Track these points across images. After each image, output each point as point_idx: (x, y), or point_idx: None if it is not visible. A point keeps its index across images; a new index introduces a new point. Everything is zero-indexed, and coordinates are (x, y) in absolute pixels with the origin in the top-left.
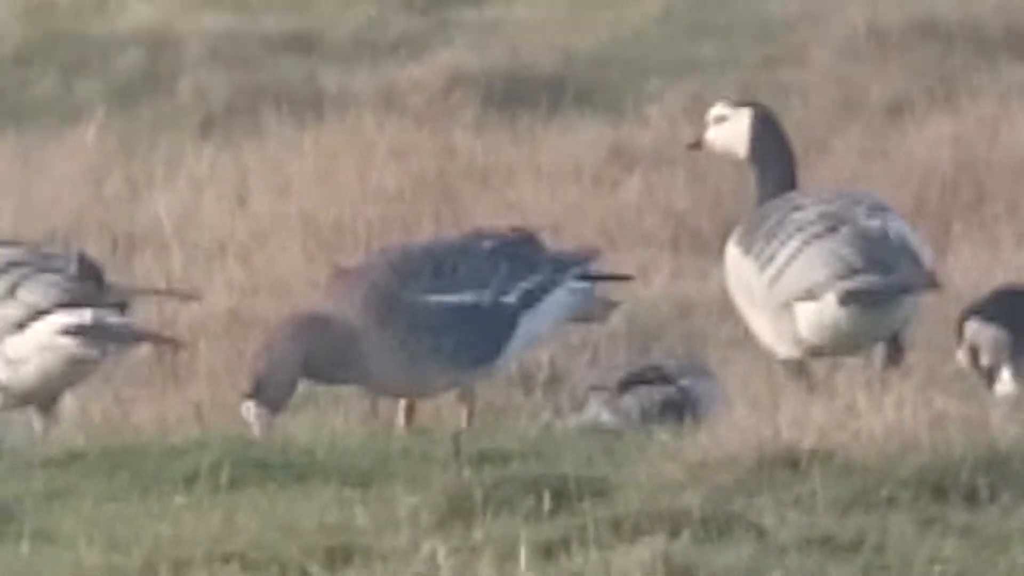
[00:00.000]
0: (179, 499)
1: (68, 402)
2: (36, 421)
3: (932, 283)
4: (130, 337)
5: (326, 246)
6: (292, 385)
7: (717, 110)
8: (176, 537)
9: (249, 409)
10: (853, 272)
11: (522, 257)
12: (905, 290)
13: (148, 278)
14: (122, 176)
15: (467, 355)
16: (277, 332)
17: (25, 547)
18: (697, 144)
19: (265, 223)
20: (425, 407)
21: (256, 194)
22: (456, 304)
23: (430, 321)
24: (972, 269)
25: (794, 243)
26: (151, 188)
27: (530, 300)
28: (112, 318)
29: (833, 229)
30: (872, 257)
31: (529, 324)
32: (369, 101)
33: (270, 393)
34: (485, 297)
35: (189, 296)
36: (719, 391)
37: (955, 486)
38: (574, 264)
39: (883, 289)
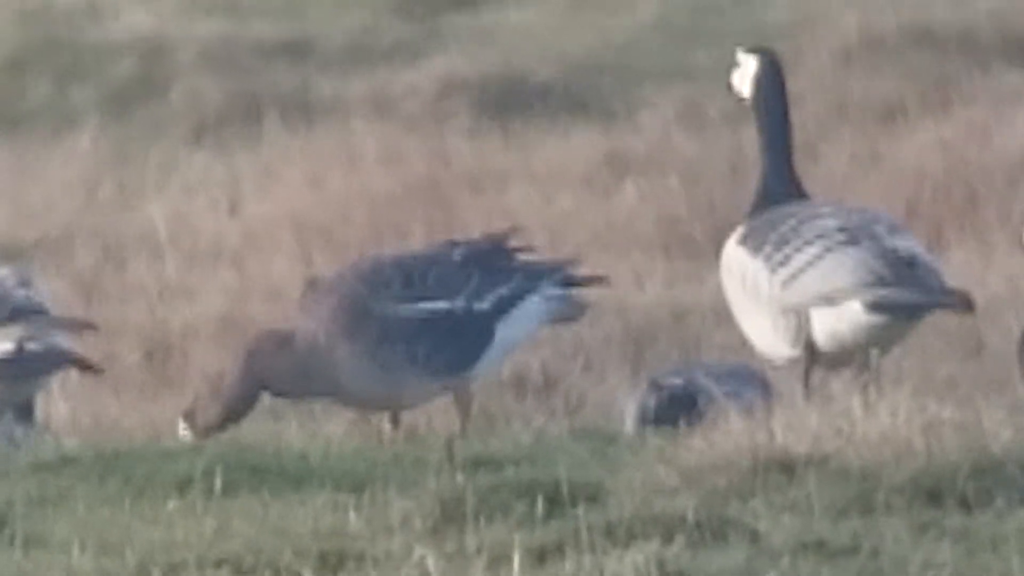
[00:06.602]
0: (172, 504)
1: (60, 407)
2: (16, 427)
3: (968, 306)
4: (52, 364)
5: (318, 251)
6: (226, 413)
7: (738, 55)
8: (169, 542)
9: (180, 426)
10: (883, 283)
11: (495, 264)
12: (939, 307)
13: (141, 283)
14: (115, 182)
15: (442, 363)
16: (236, 356)
17: (17, 552)
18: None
19: (257, 228)
20: (418, 413)
21: (249, 200)
22: (427, 312)
23: (401, 331)
24: (964, 275)
25: (813, 249)
26: (144, 194)
27: (504, 306)
28: (35, 346)
29: (856, 241)
30: (901, 272)
31: (505, 331)
32: (362, 108)
33: (198, 418)
34: (458, 304)
35: (88, 326)
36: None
37: (949, 491)
38: (549, 272)
39: (919, 304)
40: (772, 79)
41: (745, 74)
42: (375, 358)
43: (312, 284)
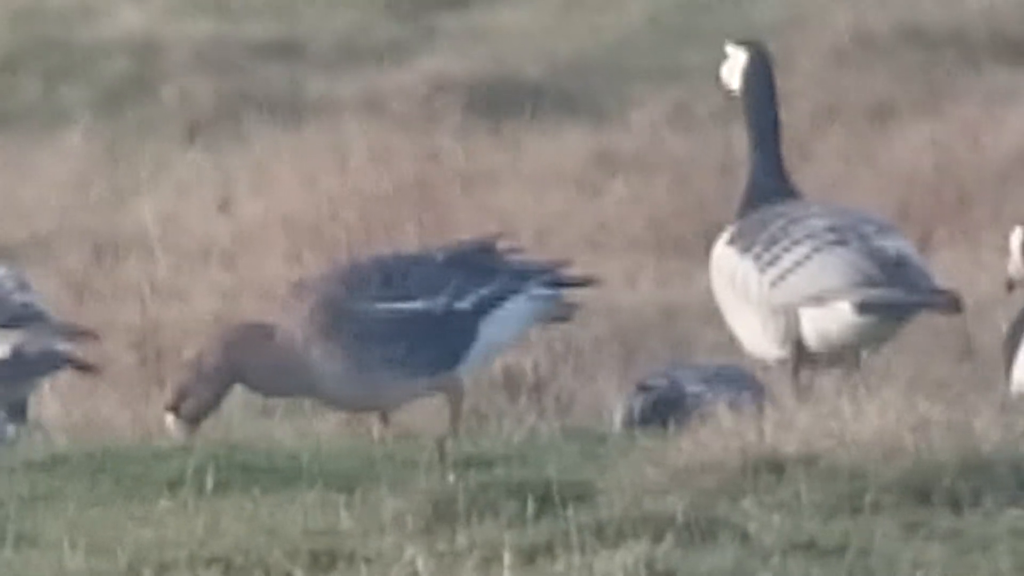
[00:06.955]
0: (163, 503)
1: (51, 405)
2: (8, 426)
3: (956, 306)
4: (48, 366)
5: (309, 250)
6: (215, 398)
7: (727, 48)
8: (160, 541)
9: (170, 421)
10: (872, 283)
11: (478, 265)
12: (928, 307)
13: (133, 283)
14: (107, 181)
15: (422, 363)
16: (209, 343)
17: (8, 551)
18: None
19: (249, 227)
20: (409, 412)
21: (240, 199)
22: (406, 312)
23: (379, 330)
24: (955, 274)
25: (802, 248)
26: (136, 193)
27: (487, 307)
28: (31, 348)
29: (845, 241)
30: (890, 272)
31: (489, 331)
32: (353, 107)
33: (189, 407)
34: (437, 304)
35: (89, 335)
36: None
37: (939, 490)
38: (537, 272)
39: (907, 304)
40: (761, 72)
41: (734, 67)
42: (353, 359)
43: (294, 285)
